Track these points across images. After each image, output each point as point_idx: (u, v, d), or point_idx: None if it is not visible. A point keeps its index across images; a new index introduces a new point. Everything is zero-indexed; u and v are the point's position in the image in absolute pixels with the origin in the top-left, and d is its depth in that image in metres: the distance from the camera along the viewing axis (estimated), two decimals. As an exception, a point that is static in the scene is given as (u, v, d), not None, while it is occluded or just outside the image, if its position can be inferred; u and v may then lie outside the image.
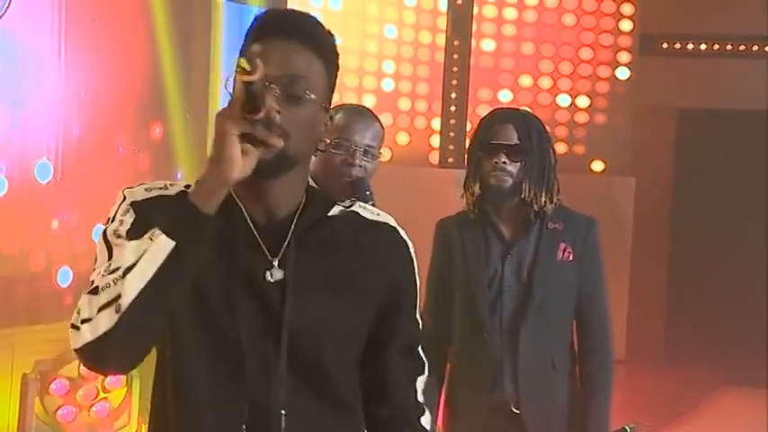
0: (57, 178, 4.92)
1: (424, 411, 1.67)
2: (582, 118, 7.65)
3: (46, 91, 4.94)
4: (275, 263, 1.55)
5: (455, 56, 7.15)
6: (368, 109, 2.70)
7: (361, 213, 1.66)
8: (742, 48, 8.07)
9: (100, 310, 1.44)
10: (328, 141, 1.79)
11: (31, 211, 4.87)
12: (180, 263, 1.42)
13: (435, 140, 7.18)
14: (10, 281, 4.78)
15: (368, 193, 2.46)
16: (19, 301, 4.85)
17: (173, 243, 1.42)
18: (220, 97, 5.75)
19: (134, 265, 1.43)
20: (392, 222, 1.71)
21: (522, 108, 2.90)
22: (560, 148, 7.64)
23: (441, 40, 7.13)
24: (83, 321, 1.45)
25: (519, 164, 2.68)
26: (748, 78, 7.65)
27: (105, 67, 5.07)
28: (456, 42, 7.17)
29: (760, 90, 7.70)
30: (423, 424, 1.66)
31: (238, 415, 1.53)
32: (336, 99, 6.13)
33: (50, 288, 4.90)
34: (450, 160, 7.20)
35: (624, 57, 7.72)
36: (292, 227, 1.57)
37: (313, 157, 1.69)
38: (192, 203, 1.43)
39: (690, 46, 8.14)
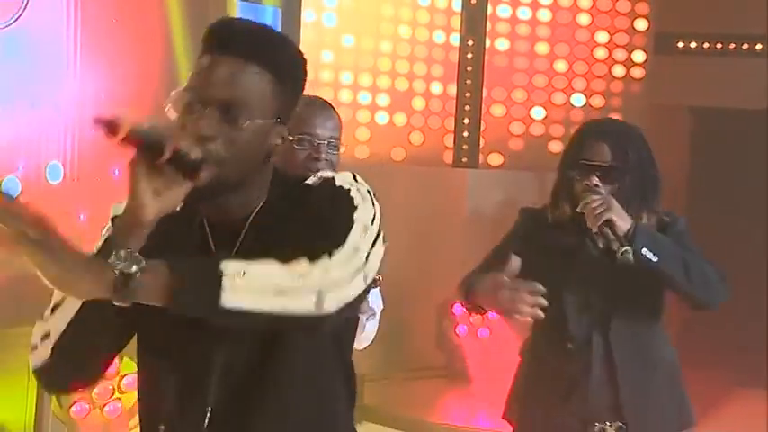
0: (72, 179, 4.96)
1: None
2: (597, 117, 7.62)
3: (61, 92, 4.98)
4: None
5: (469, 55, 7.15)
6: (324, 100, 2.54)
7: (311, 185, 1.63)
8: (759, 47, 8.01)
9: (42, 339, 1.56)
10: (291, 138, 1.87)
11: (45, 211, 4.92)
12: (99, 304, 1.42)
13: (449, 140, 7.17)
14: (24, 279, 4.83)
15: None
16: (34, 300, 4.90)
17: None
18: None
19: (59, 303, 1.54)
20: (329, 174, 1.66)
21: (619, 120, 2.83)
22: (575, 147, 7.62)
23: (455, 39, 7.13)
24: (32, 348, 1.59)
25: (612, 186, 2.53)
26: (764, 78, 7.59)
27: (121, 69, 5.10)
28: (470, 42, 7.16)
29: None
30: None
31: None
32: (350, 98, 6.18)
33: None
34: (464, 160, 7.21)
35: (639, 56, 7.69)
36: (245, 228, 1.57)
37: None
38: (114, 244, 1.43)
39: (706, 45, 8.09)
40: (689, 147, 7.69)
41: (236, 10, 5.80)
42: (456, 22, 7.12)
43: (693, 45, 8.09)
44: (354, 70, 6.72)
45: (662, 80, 7.63)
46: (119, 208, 1.57)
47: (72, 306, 1.52)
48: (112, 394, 4.48)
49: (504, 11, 7.35)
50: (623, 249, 2.40)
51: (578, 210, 2.50)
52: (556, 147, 7.58)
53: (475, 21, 7.14)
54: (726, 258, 2.72)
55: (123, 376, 4.47)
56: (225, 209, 1.58)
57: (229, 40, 1.54)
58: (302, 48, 6.63)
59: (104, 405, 4.43)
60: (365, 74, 6.78)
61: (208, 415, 1.58)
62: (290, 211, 1.56)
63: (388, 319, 6.62)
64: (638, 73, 7.69)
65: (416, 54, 7.00)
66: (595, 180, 2.50)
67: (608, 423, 2.56)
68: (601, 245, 2.57)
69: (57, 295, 1.54)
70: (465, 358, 6.45)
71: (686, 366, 2.80)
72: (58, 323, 1.53)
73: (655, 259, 2.41)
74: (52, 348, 1.53)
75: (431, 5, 7.08)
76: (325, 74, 6.58)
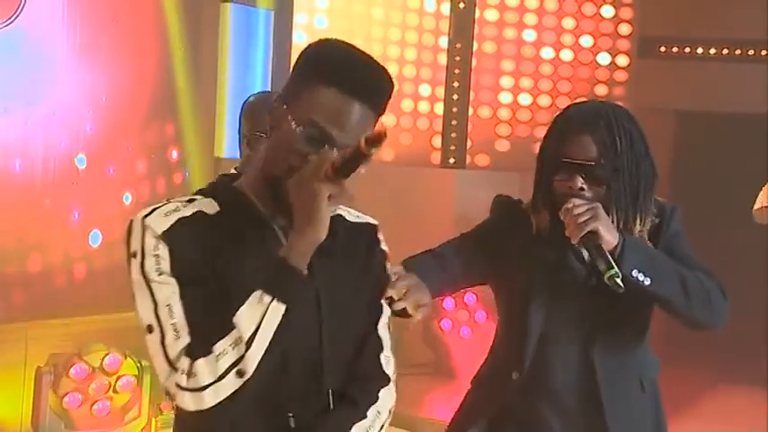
0: (75, 175, 4.99)
1: (388, 382, 1.79)
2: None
3: (59, 91, 5.00)
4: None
5: (457, 58, 7.20)
6: None
7: (345, 217, 1.80)
8: (738, 52, 8.09)
9: (222, 376, 1.53)
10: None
11: (46, 207, 4.94)
12: (286, 320, 1.56)
13: (437, 141, 7.22)
14: (26, 276, 4.84)
15: None
16: (25, 298, 4.91)
17: (284, 306, 1.55)
18: (227, 97, 5.81)
19: (255, 332, 1.53)
20: (372, 221, 1.86)
21: (605, 102, 2.21)
22: (559, 149, 7.68)
23: (443, 42, 7.18)
24: (204, 387, 1.53)
25: (600, 188, 2.06)
26: (746, 82, 7.68)
27: (118, 69, 5.13)
28: (458, 45, 7.21)
29: (758, 94, 7.74)
30: (381, 393, 1.77)
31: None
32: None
33: (67, 283, 4.96)
34: (452, 160, 7.26)
35: (622, 60, 7.76)
36: None
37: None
38: (292, 267, 1.55)
39: (687, 49, 8.17)
40: (673, 149, 7.76)
41: (229, 12, 5.83)
42: (444, 25, 7.17)
43: (676, 49, 8.17)
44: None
45: (645, 83, 7.70)
46: (154, 220, 1.61)
47: (269, 332, 1.55)
48: (107, 391, 4.50)
49: (491, 14, 7.41)
50: (610, 273, 1.96)
51: (560, 216, 2.03)
52: (541, 148, 7.64)
53: (463, 24, 7.19)
54: (708, 260, 2.30)
55: (121, 376, 4.50)
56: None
57: (373, 93, 1.66)
58: (293, 50, 6.67)
59: (95, 401, 4.45)
60: (355, 75, 6.81)
61: None
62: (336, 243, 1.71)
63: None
64: (621, 76, 7.76)
65: (406, 56, 7.05)
66: (579, 182, 2.03)
67: None
68: (585, 258, 2.13)
69: (246, 323, 1.53)
70: (451, 355, 6.50)
71: (686, 364, 2.52)
72: (258, 349, 1.54)
73: (647, 282, 2.01)
74: (248, 377, 1.54)
75: (420, 9, 7.13)
76: (315, 75, 6.60)
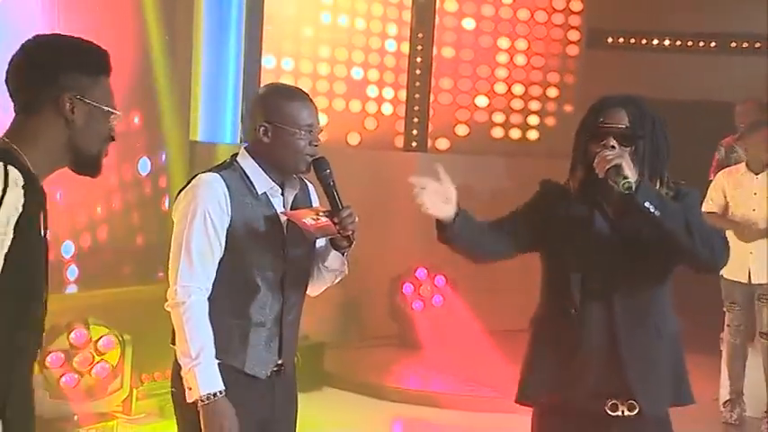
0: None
1: None
2: (535, 106, 7.66)
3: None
4: None
5: (419, 47, 7.12)
6: (303, 90, 2.54)
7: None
8: (678, 43, 8.13)
9: None
10: (295, 132, 2.29)
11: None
12: None
13: (400, 126, 7.14)
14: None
15: (328, 171, 2.39)
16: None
17: None
18: (201, 82, 5.67)
19: None
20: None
21: (635, 95, 2.52)
22: (515, 133, 7.66)
23: (406, 31, 7.09)
24: None
25: (629, 149, 2.36)
26: (684, 71, 7.71)
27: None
28: (420, 34, 7.13)
29: (696, 81, 7.77)
30: None
31: None
32: (309, 86, 6.10)
33: (55, 260, 4.82)
34: (414, 144, 7.18)
35: (573, 49, 7.74)
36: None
37: (266, 140, 2.32)
38: None
39: (632, 41, 8.18)
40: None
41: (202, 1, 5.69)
42: (407, 15, 7.08)
43: (621, 40, 8.17)
44: (313, 60, 6.63)
45: (593, 72, 7.69)
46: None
47: None
48: (93, 360, 4.38)
49: (450, 5, 7.32)
50: (625, 180, 2.25)
51: (593, 164, 2.33)
52: (498, 132, 7.60)
53: (424, 14, 7.11)
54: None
55: (96, 341, 4.38)
56: None
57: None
58: (264, 37, 6.51)
59: (91, 369, 4.33)
60: (323, 63, 6.69)
61: None
62: None
63: (346, 293, 6.66)
64: (572, 65, 7.74)
65: (371, 45, 6.94)
66: (612, 141, 2.35)
67: (618, 400, 2.38)
68: (609, 216, 2.41)
69: None
70: (415, 327, 6.45)
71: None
72: None
73: (657, 213, 2.27)
74: None
75: None
76: (286, 63, 6.48)
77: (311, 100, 2.44)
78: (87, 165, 1.75)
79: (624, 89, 7.97)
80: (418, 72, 7.11)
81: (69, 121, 1.70)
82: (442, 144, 7.35)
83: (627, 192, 2.26)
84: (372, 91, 6.96)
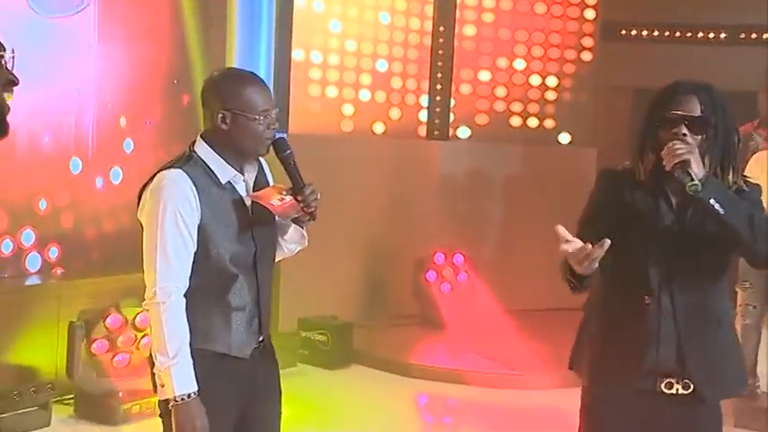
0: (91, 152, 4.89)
1: None
2: (551, 96, 7.65)
3: (84, 70, 4.88)
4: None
5: (441, 40, 7.11)
6: (257, 75, 2.46)
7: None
8: (689, 35, 8.07)
9: None
10: (254, 116, 2.24)
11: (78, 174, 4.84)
12: None
13: (423, 115, 7.15)
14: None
15: (289, 151, 2.36)
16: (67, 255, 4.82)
17: None
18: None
19: None
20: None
21: (706, 82, 2.35)
22: (532, 122, 7.64)
23: (428, 25, 7.08)
24: None
25: (700, 137, 2.25)
26: (694, 62, 7.66)
27: (137, 52, 5.01)
28: (441, 28, 7.11)
29: (706, 72, 7.71)
30: None
31: None
32: (337, 78, 6.11)
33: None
34: (436, 133, 7.18)
35: (588, 41, 7.70)
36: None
37: (224, 127, 2.25)
38: None
39: (644, 33, 8.13)
40: (630, 120, 7.74)
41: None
42: (429, 9, 7.07)
43: (634, 33, 8.13)
44: (340, 53, 6.65)
45: (607, 63, 7.66)
46: None
47: None
48: (135, 338, 4.43)
49: (471, 0, 7.31)
50: (692, 183, 2.16)
51: (662, 153, 2.22)
52: (516, 121, 7.59)
53: (446, 9, 7.09)
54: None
55: (133, 319, 4.40)
56: None
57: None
58: (294, 31, 6.52)
59: (118, 353, 4.38)
60: (350, 56, 6.71)
61: None
62: None
63: (372, 276, 6.68)
64: (587, 57, 7.70)
65: (395, 38, 6.94)
66: (684, 129, 2.23)
67: (675, 379, 2.31)
68: (673, 206, 2.30)
69: None
70: (438, 307, 6.48)
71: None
72: None
73: (721, 211, 2.18)
74: None
75: (408, -5, 7.03)
76: (315, 56, 6.51)
77: (265, 83, 2.38)
78: None
79: (637, 80, 7.98)
80: (440, 64, 7.09)
81: None
82: (463, 133, 7.35)
83: (693, 193, 2.18)
84: (396, 82, 6.96)
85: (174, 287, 2.21)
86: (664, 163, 2.23)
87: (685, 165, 2.20)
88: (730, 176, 2.29)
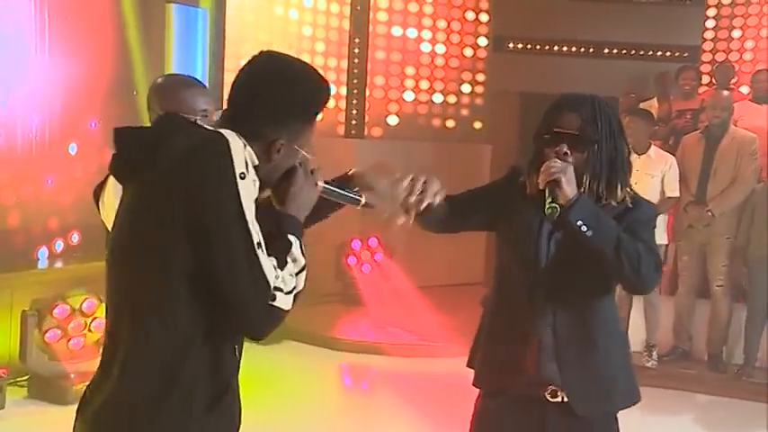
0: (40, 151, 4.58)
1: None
2: (452, 99, 7.66)
3: (32, 77, 4.56)
4: None
5: (356, 50, 7.00)
6: (194, 78, 2.31)
7: None
8: (564, 49, 8.21)
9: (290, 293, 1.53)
10: (195, 119, 1.99)
11: (24, 173, 4.53)
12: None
13: (342, 116, 7.02)
14: (8, 232, 4.44)
15: None
16: (17, 249, 4.51)
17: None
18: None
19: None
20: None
21: (592, 95, 2.02)
22: (435, 122, 7.65)
23: (345, 37, 6.94)
24: (288, 293, 1.51)
25: (582, 155, 1.94)
26: (567, 70, 7.81)
27: (82, 58, 4.71)
28: (357, 40, 6.99)
29: (579, 80, 7.88)
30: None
31: None
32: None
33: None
34: (353, 132, 7.09)
35: (482, 53, 7.75)
36: None
37: None
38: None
39: (530, 46, 8.23)
40: (519, 121, 7.83)
41: (173, 11, 5.44)
42: (346, 24, 6.95)
43: (521, 46, 8.21)
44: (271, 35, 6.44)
45: (498, 71, 7.74)
46: None
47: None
48: (83, 329, 4.19)
49: (382, 16, 7.21)
50: (550, 205, 1.88)
51: (541, 171, 1.93)
52: (423, 121, 7.58)
53: (360, 23, 6.99)
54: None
55: (95, 318, 4.18)
56: None
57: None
58: (227, 40, 6.13)
59: (71, 338, 4.13)
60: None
61: None
62: None
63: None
64: (481, 65, 7.76)
65: (316, 49, 6.79)
66: (564, 148, 1.93)
67: (558, 388, 2.02)
68: (545, 208, 1.94)
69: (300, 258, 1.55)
70: (358, 287, 6.41)
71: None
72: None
73: (589, 233, 1.88)
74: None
75: (326, 10, 6.87)
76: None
77: (205, 87, 2.26)
78: None
79: (523, 86, 8.07)
80: (356, 71, 7.00)
81: None
82: (377, 132, 7.28)
83: (548, 215, 1.90)
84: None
85: None
86: (538, 180, 1.94)
87: (555, 184, 1.90)
88: (618, 192, 1.97)
